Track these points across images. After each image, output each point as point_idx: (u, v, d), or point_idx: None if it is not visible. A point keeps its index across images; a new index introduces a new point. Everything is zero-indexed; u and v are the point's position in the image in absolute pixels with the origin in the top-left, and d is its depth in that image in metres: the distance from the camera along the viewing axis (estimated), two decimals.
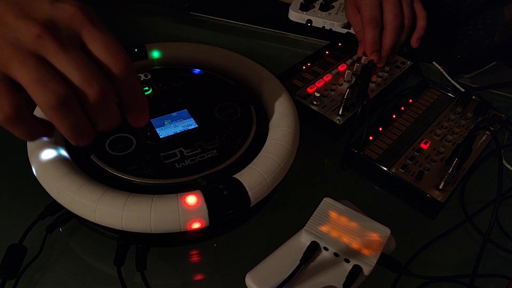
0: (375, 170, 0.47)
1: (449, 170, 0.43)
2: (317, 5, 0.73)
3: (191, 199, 0.35)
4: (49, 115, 0.28)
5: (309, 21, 0.72)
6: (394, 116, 0.53)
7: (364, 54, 0.59)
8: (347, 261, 0.37)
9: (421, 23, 0.59)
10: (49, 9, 0.28)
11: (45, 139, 0.36)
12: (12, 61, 0.27)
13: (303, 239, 0.38)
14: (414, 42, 0.60)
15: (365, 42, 0.57)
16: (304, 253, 0.37)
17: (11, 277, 0.36)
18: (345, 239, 0.37)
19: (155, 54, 0.52)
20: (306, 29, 0.72)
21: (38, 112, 0.34)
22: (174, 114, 0.45)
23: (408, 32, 0.59)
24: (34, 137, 0.30)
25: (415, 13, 0.59)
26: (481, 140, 0.51)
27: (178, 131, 0.43)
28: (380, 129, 0.51)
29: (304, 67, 0.59)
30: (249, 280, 0.36)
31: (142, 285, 0.36)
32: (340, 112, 0.51)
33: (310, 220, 0.39)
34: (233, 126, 0.45)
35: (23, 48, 0.27)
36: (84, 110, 0.29)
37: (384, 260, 0.37)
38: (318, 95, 0.52)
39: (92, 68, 0.28)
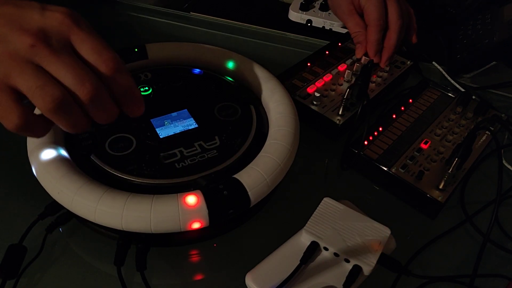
0: (375, 170, 0.47)
1: (449, 170, 0.43)
2: (317, 5, 0.73)
3: (191, 199, 0.35)
4: (49, 117, 0.30)
5: (309, 21, 0.72)
6: (394, 116, 0.53)
7: (365, 55, 0.58)
8: (347, 261, 0.37)
9: (413, 19, 0.60)
10: (39, 19, 0.30)
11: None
12: (12, 71, 0.29)
13: (303, 239, 0.38)
14: (414, 39, 0.60)
15: (369, 43, 0.57)
16: (304, 253, 0.37)
17: (11, 277, 0.36)
18: (345, 239, 0.37)
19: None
20: (306, 29, 0.72)
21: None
22: (174, 114, 0.45)
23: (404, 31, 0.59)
24: (42, 135, 0.32)
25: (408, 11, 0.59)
26: (481, 140, 0.51)
27: (178, 131, 0.43)
28: (380, 129, 0.51)
29: (304, 67, 0.59)
30: (249, 280, 0.36)
31: (142, 285, 0.36)
32: (340, 112, 0.51)
33: (310, 220, 0.39)
34: (233, 126, 0.45)
35: (20, 59, 0.29)
36: (81, 107, 0.31)
37: (384, 260, 0.37)
38: (318, 95, 0.52)
39: (82, 69, 0.30)
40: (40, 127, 0.31)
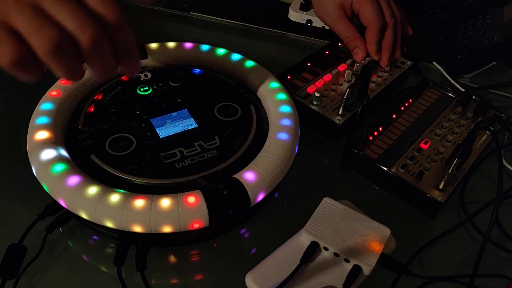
0: (375, 170, 0.47)
1: (449, 170, 0.43)
2: None
3: (191, 199, 0.35)
4: (45, 59, 0.30)
5: (309, 21, 0.72)
6: (394, 116, 0.53)
7: (367, 56, 0.58)
8: (347, 261, 0.37)
9: (401, 13, 0.59)
10: None
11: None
12: (12, 11, 0.29)
13: (303, 239, 0.38)
14: (409, 30, 0.60)
15: (369, 44, 0.57)
16: (304, 253, 0.37)
17: (11, 277, 0.36)
18: (345, 239, 0.37)
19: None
20: (306, 29, 0.72)
21: None
22: (174, 114, 0.45)
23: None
24: (35, 78, 0.32)
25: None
26: (481, 140, 0.51)
27: (178, 131, 0.43)
28: (380, 129, 0.51)
29: (304, 67, 0.59)
30: (249, 280, 0.36)
31: (142, 285, 0.36)
32: (340, 112, 0.51)
33: (310, 220, 0.39)
34: (233, 126, 0.45)
35: None
36: (78, 54, 0.30)
37: (384, 260, 0.37)
38: (318, 95, 0.52)
39: (86, 15, 0.30)
40: (35, 67, 0.30)
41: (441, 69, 0.65)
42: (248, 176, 0.38)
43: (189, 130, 0.44)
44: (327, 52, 0.62)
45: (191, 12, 0.75)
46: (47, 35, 0.29)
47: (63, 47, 0.29)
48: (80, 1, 0.30)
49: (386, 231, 0.38)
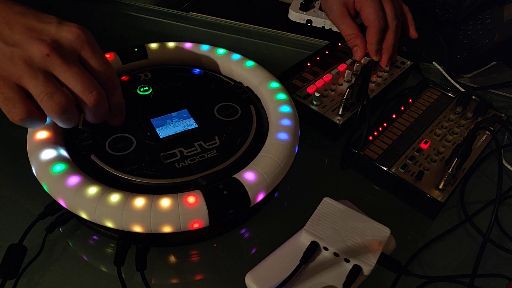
0: (375, 170, 0.47)
1: (449, 170, 0.43)
2: (317, 5, 0.73)
3: (191, 199, 0.35)
4: (53, 119, 0.36)
5: (309, 21, 0.72)
6: (394, 116, 0.53)
7: (367, 55, 0.58)
8: (347, 261, 0.37)
9: (409, 15, 0.60)
10: (56, 32, 0.35)
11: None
12: (25, 75, 0.33)
13: (303, 239, 0.38)
14: (414, 34, 0.60)
15: (369, 44, 0.57)
16: (304, 253, 0.37)
17: (11, 277, 0.36)
18: (345, 239, 0.37)
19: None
20: (306, 29, 0.72)
21: None
22: (174, 114, 0.45)
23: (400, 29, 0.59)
24: (40, 125, 0.37)
25: (402, 8, 0.59)
26: (481, 140, 0.51)
27: (178, 131, 0.43)
28: (380, 129, 0.51)
29: (304, 67, 0.59)
30: (249, 280, 0.36)
31: (142, 285, 0.36)
32: (340, 112, 0.51)
33: (310, 220, 0.39)
34: (233, 126, 0.45)
35: (35, 65, 0.33)
36: (82, 110, 0.37)
37: (384, 260, 0.37)
38: (318, 95, 0.52)
39: (90, 79, 0.35)
40: (41, 120, 0.36)
41: (441, 69, 0.65)
42: (248, 176, 0.38)
43: (189, 130, 0.44)
44: (327, 52, 0.62)
45: (191, 12, 0.75)
46: (57, 102, 0.33)
47: (69, 109, 0.34)
48: (84, 64, 0.36)
49: (386, 231, 0.38)
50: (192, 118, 0.45)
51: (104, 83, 0.36)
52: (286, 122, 0.44)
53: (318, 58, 0.60)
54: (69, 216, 0.40)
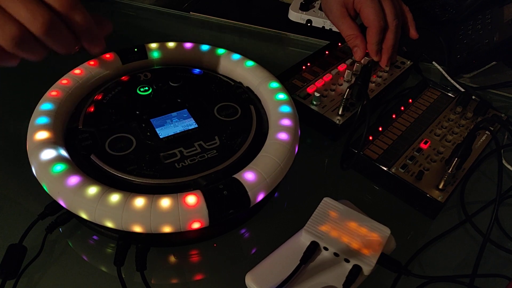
0: (375, 170, 0.47)
1: (449, 170, 0.43)
2: (317, 5, 0.73)
3: (191, 199, 0.35)
4: (11, 52, 0.33)
5: (309, 21, 0.72)
6: (394, 116, 0.53)
7: (367, 55, 0.58)
8: (347, 261, 0.37)
9: (409, 15, 0.60)
10: None
11: None
12: None
13: (303, 239, 0.38)
14: (414, 34, 0.60)
15: (369, 45, 0.57)
16: (304, 253, 0.37)
17: (11, 277, 0.36)
18: (345, 239, 0.37)
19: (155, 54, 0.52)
20: (306, 29, 0.72)
21: None
22: (174, 114, 0.45)
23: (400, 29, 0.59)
24: (14, 63, 0.36)
25: (402, 9, 0.59)
26: (481, 140, 0.51)
27: (178, 131, 0.43)
28: (380, 129, 0.51)
29: (304, 67, 0.59)
30: (249, 280, 0.36)
31: (142, 285, 0.36)
32: (340, 112, 0.51)
33: (310, 220, 0.39)
34: (233, 126, 0.45)
35: None
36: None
37: (384, 260, 0.37)
38: (318, 95, 0.52)
39: (35, 5, 0.32)
40: (7, 59, 0.34)
41: (441, 69, 0.65)
42: (248, 176, 0.38)
43: (189, 130, 0.44)
44: (327, 52, 0.62)
45: (191, 12, 0.75)
46: (7, 33, 0.32)
47: (24, 39, 0.32)
48: None
49: (386, 231, 0.38)
50: (192, 118, 0.45)
51: (57, 5, 0.33)
52: (286, 122, 0.44)
53: (318, 58, 0.60)
54: (69, 216, 0.40)
